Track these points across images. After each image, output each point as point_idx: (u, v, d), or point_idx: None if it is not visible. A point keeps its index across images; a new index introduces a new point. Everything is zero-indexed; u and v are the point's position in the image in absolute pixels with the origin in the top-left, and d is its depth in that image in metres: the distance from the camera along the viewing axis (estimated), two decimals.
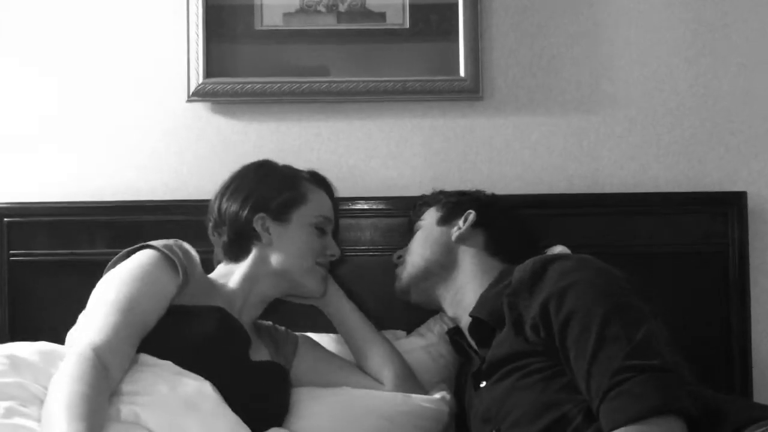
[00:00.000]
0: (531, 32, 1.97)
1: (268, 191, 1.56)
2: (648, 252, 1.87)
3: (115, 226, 1.87)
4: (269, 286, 1.55)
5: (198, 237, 1.63)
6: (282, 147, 1.95)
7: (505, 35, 1.97)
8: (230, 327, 1.43)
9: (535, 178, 1.95)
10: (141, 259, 1.42)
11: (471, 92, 1.92)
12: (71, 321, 1.58)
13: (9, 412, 1.12)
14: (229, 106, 1.95)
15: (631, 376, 1.14)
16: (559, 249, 1.67)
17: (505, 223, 1.62)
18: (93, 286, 1.70)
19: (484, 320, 1.43)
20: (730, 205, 1.88)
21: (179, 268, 1.42)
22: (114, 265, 1.45)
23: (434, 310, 1.68)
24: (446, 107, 1.96)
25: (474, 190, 1.72)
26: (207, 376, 1.29)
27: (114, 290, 1.35)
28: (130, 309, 1.32)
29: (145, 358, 1.30)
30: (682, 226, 1.89)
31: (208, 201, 1.80)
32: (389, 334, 1.72)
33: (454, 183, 1.89)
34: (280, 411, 1.46)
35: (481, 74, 1.93)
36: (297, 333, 1.64)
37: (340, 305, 1.63)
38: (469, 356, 1.55)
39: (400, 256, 1.66)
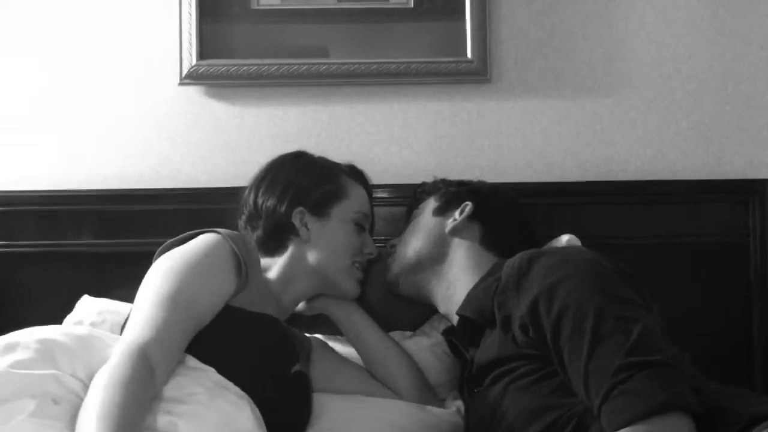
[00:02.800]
0: (542, 11, 1.93)
1: (307, 184, 1.51)
2: (664, 243, 1.84)
3: (104, 215, 1.84)
4: (305, 284, 1.50)
5: (189, 227, 1.55)
6: (279, 132, 1.92)
7: (514, 14, 1.92)
8: (283, 342, 1.37)
9: (546, 165, 1.92)
10: (206, 244, 1.30)
11: (478, 74, 1.89)
12: (57, 315, 1.61)
13: (39, 410, 1.05)
14: (224, 89, 1.91)
15: (633, 373, 1.10)
16: (566, 238, 1.62)
17: (504, 215, 1.58)
18: (79, 278, 1.78)
19: (472, 318, 1.40)
20: (752, 194, 1.84)
21: (243, 268, 1.31)
22: (170, 248, 1.33)
23: (427, 304, 1.63)
24: (452, 90, 1.92)
25: (476, 180, 1.67)
26: (248, 388, 1.21)
27: (172, 279, 1.23)
28: (188, 304, 1.21)
29: (188, 360, 1.20)
30: (700, 215, 1.85)
31: (201, 189, 1.86)
32: (396, 335, 1.68)
33: (460, 170, 1.86)
34: (305, 421, 1.40)
35: (489, 55, 1.89)
36: (309, 335, 1.60)
37: (351, 312, 1.58)
38: (465, 357, 1.51)
39: (393, 245, 1.62)
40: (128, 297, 1.64)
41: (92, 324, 1.55)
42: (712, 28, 1.92)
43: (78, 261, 1.81)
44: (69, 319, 1.61)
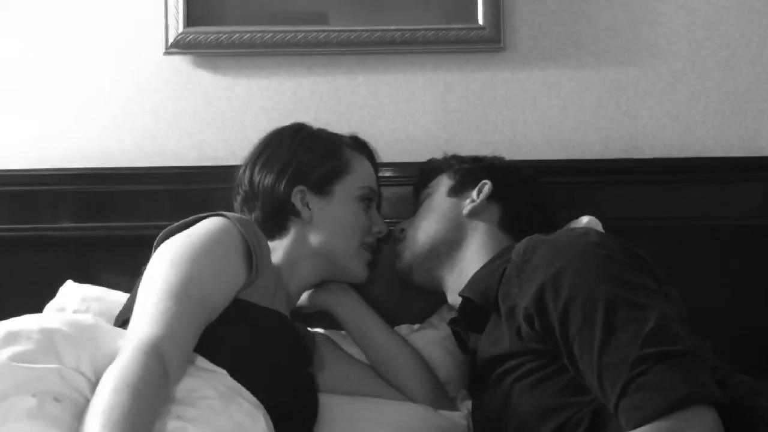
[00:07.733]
0: None
1: (307, 160, 1.47)
2: (694, 225, 1.79)
3: (83, 196, 1.79)
4: (311, 269, 1.45)
5: (176, 209, 1.58)
6: (274, 106, 1.87)
7: None
8: (297, 342, 1.31)
9: (565, 141, 1.86)
10: (215, 229, 1.23)
11: (491, 42, 1.83)
12: (35, 303, 1.55)
13: (39, 409, 1.00)
14: (214, 58, 1.86)
15: (651, 365, 1.06)
16: (586, 220, 1.57)
17: (525, 195, 1.53)
18: (58, 264, 1.74)
19: (475, 301, 1.34)
20: None
21: (253, 258, 1.25)
22: (173, 233, 1.26)
23: (438, 294, 1.58)
24: (463, 60, 1.87)
25: (491, 156, 1.63)
26: (262, 393, 1.16)
27: (182, 268, 1.16)
28: (201, 295, 1.15)
29: (197, 359, 1.15)
30: (733, 195, 1.80)
31: (188, 167, 1.83)
32: (402, 328, 1.64)
33: (472, 146, 1.81)
34: (311, 425, 1.36)
35: (503, 21, 1.83)
36: (311, 330, 1.53)
37: (354, 307, 1.53)
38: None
39: (402, 230, 1.57)
40: (110, 283, 1.64)
41: (75, 312, 1.51)
42: None
43: (56, 246, 1.77)
44: (50, 306, 1.58)
